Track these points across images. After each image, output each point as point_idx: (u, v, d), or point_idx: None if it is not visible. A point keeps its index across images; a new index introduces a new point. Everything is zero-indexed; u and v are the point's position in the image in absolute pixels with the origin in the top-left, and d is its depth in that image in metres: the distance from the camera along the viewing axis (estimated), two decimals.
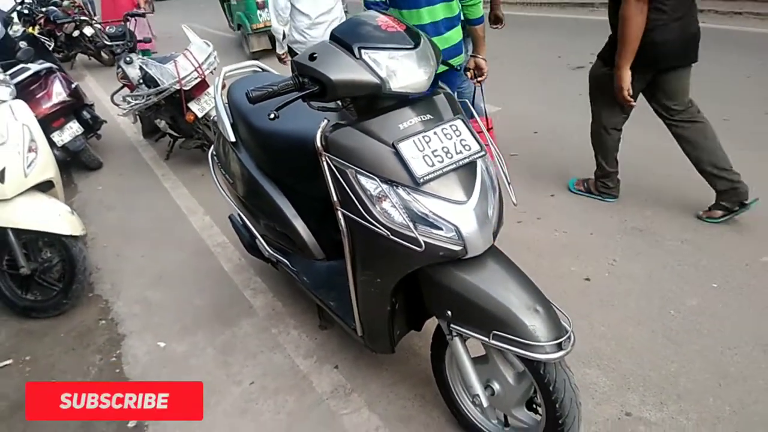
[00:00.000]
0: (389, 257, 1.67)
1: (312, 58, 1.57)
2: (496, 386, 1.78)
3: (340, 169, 1.62)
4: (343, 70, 1.55)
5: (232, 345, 2.60)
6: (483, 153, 1.66)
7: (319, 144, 1.65)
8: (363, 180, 1.60)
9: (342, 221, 1.71)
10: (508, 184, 1.75)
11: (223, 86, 2.66)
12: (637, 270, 2.76)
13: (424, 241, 1.54)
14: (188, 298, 2.99)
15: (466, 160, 1.61)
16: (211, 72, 4.26)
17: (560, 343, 1.53)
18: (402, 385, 2.25)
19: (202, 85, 4.24)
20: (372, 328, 1.95)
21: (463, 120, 1.68)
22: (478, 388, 1.72)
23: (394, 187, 1.57)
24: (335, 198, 1.68)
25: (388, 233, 1.56)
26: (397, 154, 1.55)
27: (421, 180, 1.54)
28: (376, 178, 1.57)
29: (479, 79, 3.20)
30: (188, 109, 4.22)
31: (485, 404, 1.73)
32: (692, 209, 3.18)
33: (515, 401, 1.77)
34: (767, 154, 3.72)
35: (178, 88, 4.06)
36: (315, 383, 2.32)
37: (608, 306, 2.55)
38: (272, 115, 1.56)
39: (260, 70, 2.80)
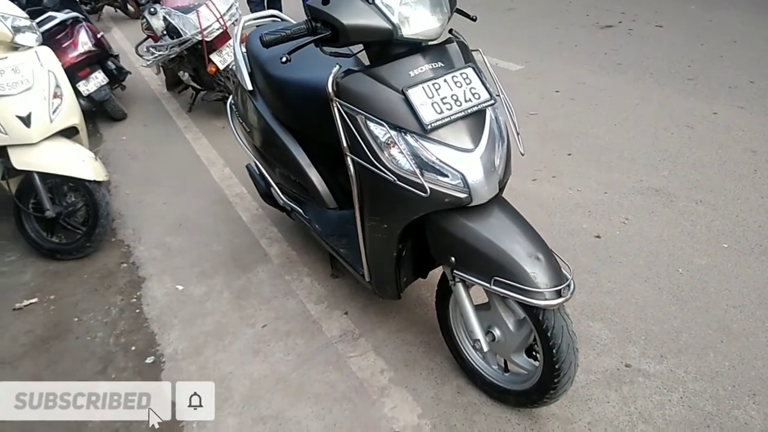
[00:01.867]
0: (396, 203, 1.71)
1: (325, 2, 1.58)
2: (497, 332, 1.83)
3: (350, 115, 1.65)
4: (355, 14, 1.56)
5: (247, 290, 2.69)
6: (492, 102, 1.67)
7: (330, 89, 1.67)
8: (372, 126, 1.63)
9: (351, 167, 1.75)
10: (517, 134, 1.77)
11: (243, 39, 2.68)
12: (649, 229, 2.77)
13: (430, 188, 1.58)
14: (207, 244, 3.08)
15: (475, 109, 1.63)
16: (233, 23, 4.26)
17: (559, 291, 1.56)
18: (408, 331, 2.33)
19: (223, 37, 4.25)
20: (379, 274, 2.01)
21: (473, 68, 1.69)
22: (479, 333, 1.78)
23: (403, 134, 1.60)
24: (345, 143, 1.72)
25: (395, 179, 1.60)
26: (407, 100, 1.58)
27: (429, 127, 1.56)
28: (384, 124, 1.60)
29: None
30: (210, 60, 4.25)
31: (485, 349, 1.78)
32: (709, 169, 3.15)
33: (515, 347, 1.82)
34: None
35: (200, 39, 4.09)
36: (325, 328, 2.40)
37: (616, 263, 2.57)
38: (284, 59, 1.59)
39: (279, 19, 2.80)
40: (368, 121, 1.63)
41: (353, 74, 1.67)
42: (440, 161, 1.60)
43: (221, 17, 4.13)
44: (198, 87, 4.84)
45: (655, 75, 4.57)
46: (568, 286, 1.59)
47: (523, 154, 1.77)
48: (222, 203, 3.49)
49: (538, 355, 1.78)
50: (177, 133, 4.67)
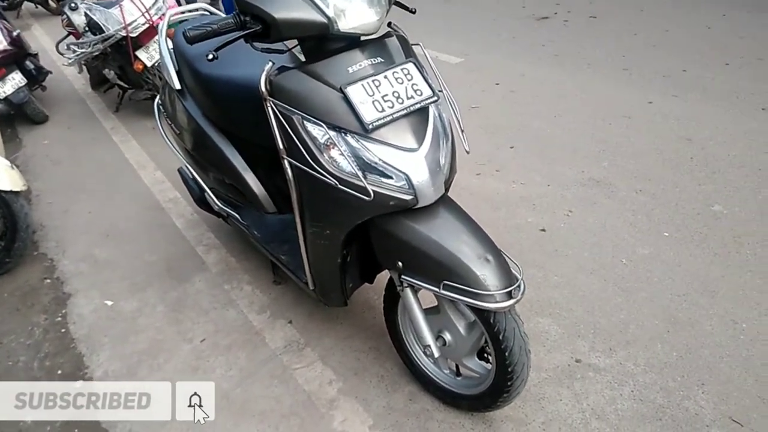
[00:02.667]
0: (338, 208, 1.61)
1: None
2: (447, 336, 1.77)
3: (286, 115, 1.54)
4: (287, 7, 1.45)
5: (184, 302, 2.53)
6: (435, 98, 1.59)
7: (263, 88, 1.56)
8: (310, 126, 1.52)
9: (289, 170, 1.64)
10: (462, 131, 1.70)
11: (171, 34, 2.51)
12: (592, 220, 2.77)
13: (374, 191, 1.49)
14: (138, 255, 2.89)
15: (418, 106, 1.55)
16: (160, 17, 4.04)
17: (510, 292, 1.51)
18: (356, 338, 2.24)
19: (150, 32, 4.02)
20: (324, 282, 1.91)
21: (415, 63, 1.60)
22: (429, 339, 1.71)
23: (343, 134, 1.50)
24: (281, 146, 1.60)
25: (336, 182, 1.50)
26: (346, 98, 1.48)
27: (371, 126, 1.47)
28: (323, 124, 1.49)
29: None
30: (136, 57, 4.01)
31: (437, 354, 1.71)
32: (647, 159, 3.20)
33: (467, 351, 1.76)
34: (727, 105, 3.74)
35: (125, 35, 3.85)
36: (268, 339, 2.28)
37: (562, 256, 2.56)
38: (210, 56, 1.46)
39: (207, 12, 2.64)
40: (305, 122, 1.52)
41: (287, 71, 1.56)
42: (383, 162, 1.51)
43: (147, 11, 3.90)
44: (125, 85, 4.59)
45: (592, 66, 4.63)
46: (519, 286, 1.54)
47: (468, 152, 1.70)
48: (154, 209, 3.29)
49: (490, 358, 1.74)
50: (103, 135, 4.40)
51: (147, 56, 4.05)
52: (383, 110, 1.50)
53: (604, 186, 3.03)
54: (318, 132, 1.52)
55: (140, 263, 2.83)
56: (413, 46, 1.72)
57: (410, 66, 1.59)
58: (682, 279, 2.36)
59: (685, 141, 3.36)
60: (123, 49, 4.00)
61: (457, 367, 1.89)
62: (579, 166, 3.24)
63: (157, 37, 4.02)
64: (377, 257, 1.73)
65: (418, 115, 1.58)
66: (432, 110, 1.62)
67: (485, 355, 1.80)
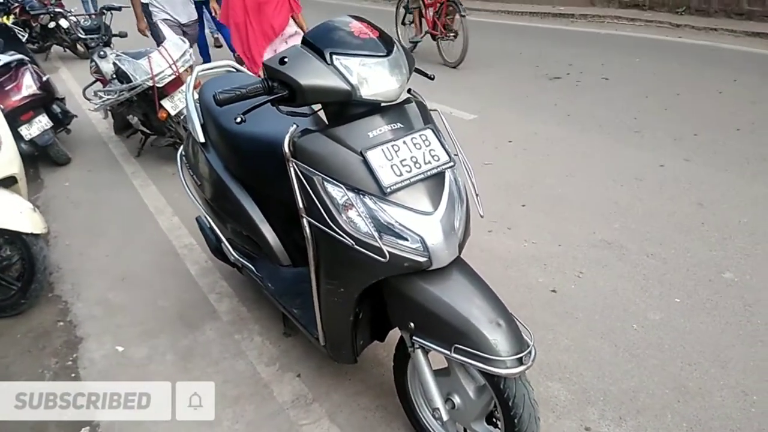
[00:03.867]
0: (353, 267, 1.64)
1: (282, 62, 1.55)
2: (456, 399, 1.76)
3: (307, 176, 1.60)
4: (313, 75, 1.53)
5: (194, 350, 2.55)
6: (452, 164, 1.65)
7: (287, 149, 1.62)
8: (329, 187, 1.57)
9: (307, 228, 1.68)
10: (476, 195, 1.75)
11: (197, 86, 2.61)
12: (603, 283, 2.78)
13: (389, 252, 1.52)
14: (152, 301, 2.92)
15: (435, 171, 1.60)
16: (186, 70, 4.19)
17: (521, 358, 1.52)
18: (364, 395, 2.23)
19: (176, 83, 4.17)
20: (335, 338, 1.93)
21: (432, 130, 1.67)
22: (438, 402, 1.71)
23: (361, 196, 1.55)
24: (301, 205, 1.65)
25: (353, 243, 1.54)
26: (365, 162, 1.54)
27: (389, 189, 1.52)
28: (342, 186, 1.55)
29: None
30: (161, 106, 4.15)
31: (445, 418, 1.71)
32: (659, 222, 3.22)
33: (475, 415, 1.76)
34: (738, 170, 3.78)
35: (151, 84, 3.99)
36: (276, 392, 2.28)
37: (573, 318, 2.56)
38: (239, 119, 1.53)
39: (234, 70, 2.75)
40: (325, 183, 1.58)
41: (310, 134, 1.62)
42: (399, 224, 1.55)
43: (174, 63, 4.05)
44: (148, 132, 4.72)
45: (604, 126, 4.71)
46: (530, 352, 1.55)
47: (482, 216, 1.75)
48: (169, 255, 3.34)
49: (499, 423, 1.73)
50: (124, 179, 4.51)
51: (171, 105, 4.18)
52: (401, 174, 1.55)
53: (615, 248, 3.04)
54: (337, 193, 1.57)
55: (153, 309, 2.86)
56: (431, 112, 1.79)
57: (428, 132, 1.65)
58: (693, 347, 2.35)
59: (697, 205, 3.38)
60: (148, 97, 4.14)
61: (465, 430, 1.88)
62: (590, 226, 3.26)
63: (182, 87, 4.18)
64: (389, 316, 1.75)
65: (435, 180, 1.63)
66: (448, 174, 1.67)
67: (494, 419, 1.79)
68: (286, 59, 1.55)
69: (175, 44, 4.21)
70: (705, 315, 2.52)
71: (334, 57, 1.55)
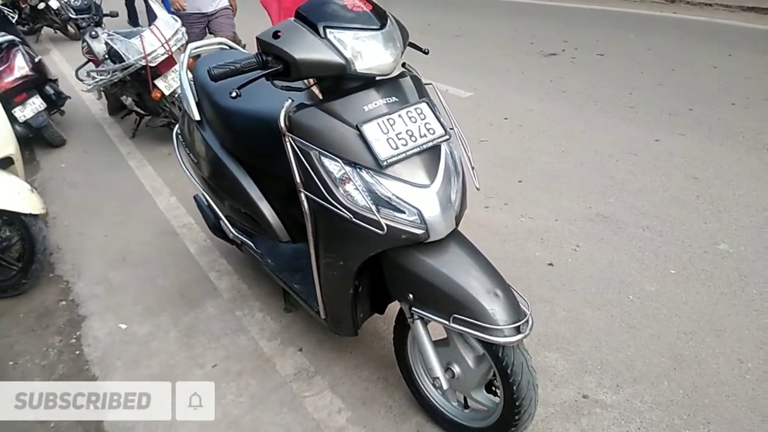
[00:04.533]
0: (352, 240, 1.66)
1: (276, 36, 1.55)
2: (456, 369, 1.79)
3: (304, 151, 1.61)
4: (307, 49, 1.53)
5: (196, 327, 2.58)
6: (447, 137, 1.66)
7: (282, 124, 1.63)
8: (326, 162, 1.58)
9: (305, 203, 1.69)
10: (472, 168, 1.77)
11: (190, 65, 2.60)
12: (599, 256, 2.81)
13: (386, 225, 1.54)
14: (152, 279, 2.95)
15: (430, 144, 1.61)
16: (179, 48, 4.17)
17: (518, 327, 1.55)
18: (365, 367, 2.27)
19: (169, 62, 4.14)
20: (335, 311, 1.95)
21: (428, 103, 1.67)
22: (438, 371, 1.74)
23: (358, 170, 1.56)
24: (298, 180, 1.67)
25: (351, 216, 1.56)
26: (361, 136, 1.55)
27: (385, 163, 1.53)
28: (339, 159, 1.56)
29: None
30: (154, 86, 4.13)
31: (445, 387, 1.74)
32: (654, 196, 3.25)
33: (475, 384, 1.79)
34: (733, 144, 3.80)
35: (144, 64, 3.97)
36: (278, 366, 2.32)
37: (570, 291, 2.59)
38: (234, 94, 1.54)
39: (227, 47, 2.74)
40: (322, 157, 1.59)
41: (306, 109, 1.63)
42: (396, 197, 1.57)
43: (166, 42, 4.02)
44: (142, 112, 4.70)
45: (599, 102, 4.71)
46: (527, 321, 1.58)
47: (478, 189, 1.76)
48: (168, 235, 3.36)
49: (498, 391, 1.77)
50: (120, 160, 4.50)
51: (165, 85, 4.16)
52: (397, 147, 1.56)
53: (611, 222, 3.07)
54: (334, 167, 1.58)
55: (154, 288, 2.88)
56: (426, 86, 1.80)
57: (423, 106, 1.66)
58: (689, 317, 2.39)
59: (692, 179, 3.41)
60: (142, 77, 4.12)
61: (465, 399, 1.92)
62: (586, 201, 3.28)
63: (175, 67, 4.16)
64: (389, 289, 1.78)
65: (431, 153, 1.64)
66: (444, 148, 1.68)
67: (493, 388, 1.82)
68: (279, 33, 1.55)
69: (167, 22, 4.17)
70: (700, 285, 2.56)
71: (327, 30, 1.55)
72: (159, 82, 4.13)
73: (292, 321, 2.55)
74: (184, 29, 4.21)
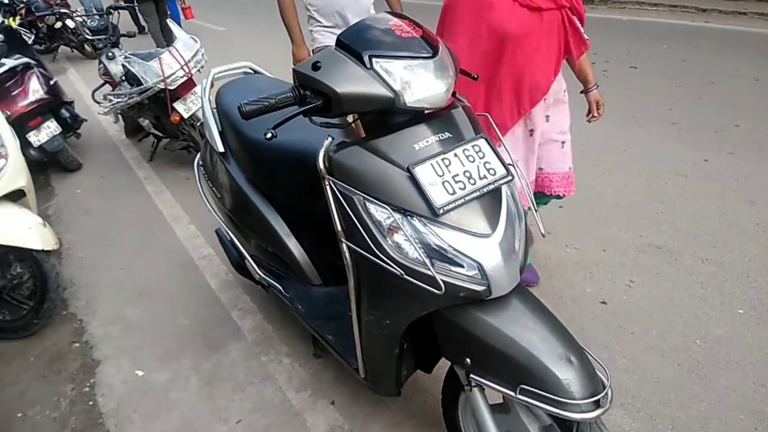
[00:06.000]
0: (401, 298, 1.45)
1: (315, 67, 1.35)
2: None
3: (346, 195, 1.40)
4: (351, 81, 1.33)
5: (218, 374, 2.37)
6: (510, 178, 1.45)
7: (321, 165, 1.43)
8: (372, 208, 1.38)
9: (347, 254, 1.48)
10: (536, 211, 1.55)
11: (211, 86, 2.42)
12: (656, 292, 2.57)
13: (443, 281, 1.33)
14: (171, 318, 2.75)
15: (491, 187, 1.40)
16: (198, 70, 4.00)
17: (598, 401, 1.32)
18: (406, 425, 2.04)
19: (188, 84, 3.97)
20: (377, 371, 1.74)
21: (486, 139, 1.46)
22: None
23: (409, 218, 1.35)
24: (339, 228, 1.46)
25: (402, 272, 1.34)
26: (413, 179, 1.34)
27: (441, 210, 1.33)
28: (387, 207, 1.35)
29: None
30: (173, 109, 3.96)
31: None
32: (710, 223, 3.00)
33: None
34: None
35: (163, 87, 3.80)
36: (309, 422, 2.10)
37: (628, 333, 2.35)
38: (269, 135, 1.34)
39: (252, 71, 2.56)
40: (367, 203, 1.38)
41: (348, 148, 1.42)
42: (453, 249, 1.35)
43: (185, 64, 3.85)
44: (160, 135, 4.55)
45: (639, 119, 4.47)
46: (606, 393, 1.35)
47: (544, 235, 1.55)
48: (187, 267, 3.17)
49: None
50: (137, 185, 4.34)
51: (184, 108, 3.99)
52: (454, 192, 1.35)
53: (665, 253, 2.83)
54: (381, 214, 1.37)
55: (173, 327, 2.68)
56: (479, 116, 1.59)
57: (481, 142, 1.45)
58: (765, 366, 2.14)
59: (749, 203, 3.16)
60: (160, 100, 3.96)
61: None
62: (636, 229, 3.04)
63: (195, 89, 4.00)
64: (441, 351, 1.56)
65: (491, 196, 1.43)
66: (504, 190, 1.47)
67: None
68: (319, 64, 1.35)
69: (186, 43, 4.00)
70: None
71: (374, 60, 1.35)
72: (178, 105, 3.96)
73: (322, 368, 2.34)
74: (203, 50, 4.05)
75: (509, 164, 1.50)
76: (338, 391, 2.22)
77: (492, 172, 1.42)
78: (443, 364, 1.71)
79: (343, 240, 1.46)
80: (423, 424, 2.03)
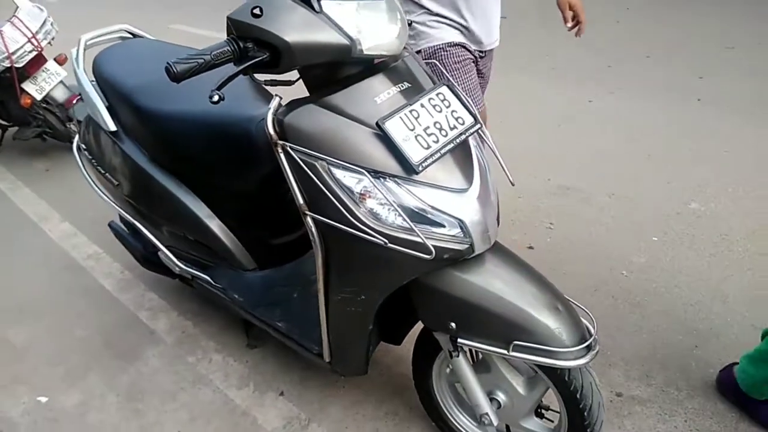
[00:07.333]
0: (379, 269, 1.31)
1: (255, 14, 1.12)
2: (501, 397, 1.52)
3: (307, 162, 1.21)
4: (301, 28, 1.13)
5: (140, 386, 2.07)
6: (478, 125, 1.34)
7: (272, 131, 1.22)
8: (339, 174, 1.21)
9: (313, 228, 1.30)
10: (500, 161, 1.47)
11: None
12: (576, 231, 2.66)
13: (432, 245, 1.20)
14: (66, 331, 2.36)
15: (463, 137, 1.29)
16: (50, 43, 3.44)
17: (588, 345, 1.29)
18: (366, 403, 1.92)
19: (38, 60, 3.40)
20: (345, 351, 1.59)
21: (448, 86, 1.34)
22: (487, 407, 1.47)
23: (382, 180, 1.20)
24: (300, 200, 1.27)
25: (386, 241, 1.20)
26: (382, 136, 1.19)
27: (420, 167, 1.19)
28: (362, 170, 1.19)
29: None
30: (23, 90, 3.39)
31: (495, 422, 1.48)
32: (605, 158, 3.15)
33: (525, 412, 1.52)
34: (664, 98, 3.80)
35: (9, 66, 3.23)
36: (260, 419, 1.90)
37: (560, 274, 2.37)
38: (216, 98, 1.11)
39: (130, 35, 2.21)
40: (332, 168, 1.21)
41: (302, 107, 1.23)
42: (432, 208, 1.23)
43: (33, 37, 3.28)
44: (5, 123, 3.90)
45: (526, 69, 4.58)
46: (595, 337, 1.32)
47: (513, 185, 1.47)
48: (72, 270, 2.75)
49: (545, 414, 1.53)
50: None
51: (36, 88, 3.43)
52: (429, 146, 1.22)
53: (575, 192, 2.94)
54: (350, 179, 1.21)
55: (70, 341, 2.31)
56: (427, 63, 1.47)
57: (444, 90, 1.32)
58: (688, 286, 2.28)
59: (635, 138, 3.37)
60: (5, 81, 3.36)
61: (507, 428, 1.64)
62: (543, 173, 3.12)
63: (46, 65, 3.45)
64: (421, 319, 1.45)
65: (461, 149, 1.32)
66: (471, 142, 1.37)
67: (540, 410, 1.58)
68: (259, 9, 1.13)
69: (30, 12, 3.40)
70: (686, 250, 2.47)
71: (323, 3, 1.17)
72: (28, 86, 3.39)
73: (260, 359, 2.13)
74: (52, 19, 3.47)
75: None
76: (285, 380, 2.03)
77: (460, 121, 1.30)
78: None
79: (308, 212, 1.28)
80: (384, 398, 1.92)
